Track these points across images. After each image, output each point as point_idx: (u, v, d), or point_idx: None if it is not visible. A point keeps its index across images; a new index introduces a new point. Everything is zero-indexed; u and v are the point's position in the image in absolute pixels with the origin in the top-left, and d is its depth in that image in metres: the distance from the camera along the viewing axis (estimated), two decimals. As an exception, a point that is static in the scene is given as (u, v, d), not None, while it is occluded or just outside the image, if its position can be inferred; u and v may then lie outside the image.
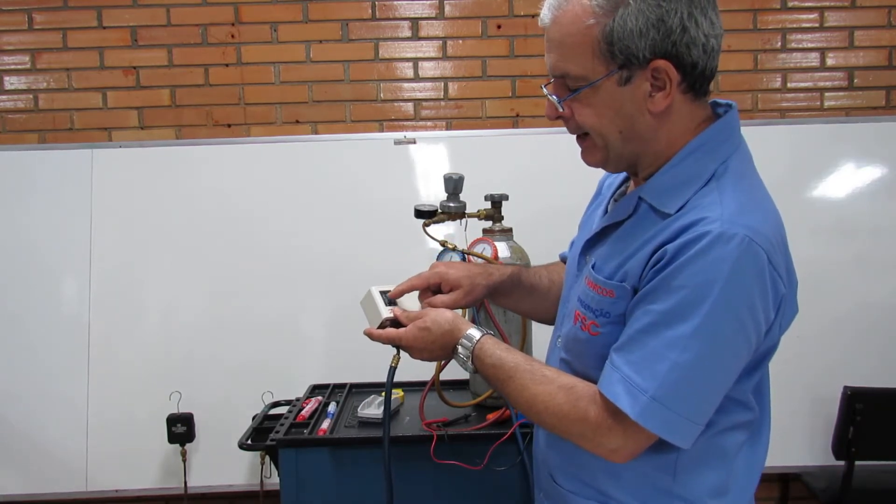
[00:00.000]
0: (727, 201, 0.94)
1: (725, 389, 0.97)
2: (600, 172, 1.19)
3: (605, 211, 1.15)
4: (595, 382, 1.00)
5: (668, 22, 0.93)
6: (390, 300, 1.21)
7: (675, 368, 0.92)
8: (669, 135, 1.00)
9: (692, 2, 0.94)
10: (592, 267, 1.06)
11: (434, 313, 1.15)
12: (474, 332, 1.11)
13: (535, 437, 1.25)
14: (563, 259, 1.38)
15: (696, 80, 0.98)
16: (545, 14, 1.00)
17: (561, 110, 1.02)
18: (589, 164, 1.08)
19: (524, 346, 1.72)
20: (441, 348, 1.14)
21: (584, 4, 0.94)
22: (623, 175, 1.17)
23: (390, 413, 1.24)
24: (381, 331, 1.18)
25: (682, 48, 0.94)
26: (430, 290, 1.26)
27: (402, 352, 1.19)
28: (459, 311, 1.32)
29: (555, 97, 1.02)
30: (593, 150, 1.04)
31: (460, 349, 1.11)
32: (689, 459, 1.02)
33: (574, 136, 1.07)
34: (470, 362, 1.11)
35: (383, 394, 1.72)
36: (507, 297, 1.32)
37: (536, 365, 1.07)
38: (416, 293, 1.25)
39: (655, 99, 0.97)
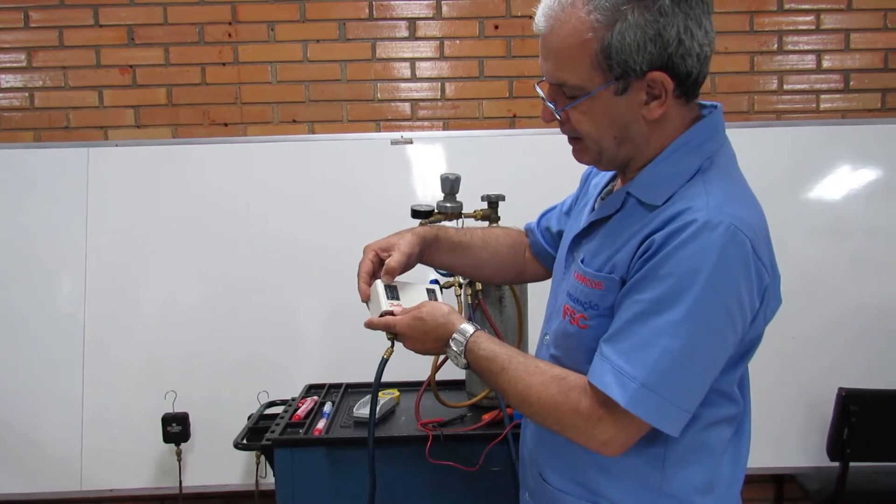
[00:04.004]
0: (713, 192, 0.97)
1: (713, 376, 0.99)
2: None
3: (593, 209, 1.16)
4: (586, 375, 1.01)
5: (665, 36, 0.94)
6: (393, 294, 1.21)
7: (665, 355, 0.94)
8: (661, 137, 1.03)
9: (688, 14, 0.95)
10: (581, 261, 1.08)
11: (430, 305, 1.16)
12: (468, 327, 1.12)
13: (522, 436, 1.25)
14: (528, 230, 1.41)
15: (690, 87, 1.00)
16: (540, 21, 1.00)
17: (558, 117, 1.04)
18: (581, 162, 1.11)
19: (520, 345, 1.72)
20: (434, 340, 1.13)
21: (582, 18, 0.95)
22: (610, 174, 1.19)
23: (377, 406, 1.22)
24: (377, 319, 1.18)
25: (677, 59, 0.96)
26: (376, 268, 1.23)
27: (395, 345, 1.19)
28: (456, 308, 1.31)
29: (551, 104, 1.04)
30: (586, 152, 1.07)
31: (453, 343, 1.11)
32: (676, 455, 1.03)
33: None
34: (462, 356, 1.11)
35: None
36: (436, 251, 1.29)
37: (530, 357, 1.09)
38: (420, 290, 1.24)
39: (651, 107, 0.99)
